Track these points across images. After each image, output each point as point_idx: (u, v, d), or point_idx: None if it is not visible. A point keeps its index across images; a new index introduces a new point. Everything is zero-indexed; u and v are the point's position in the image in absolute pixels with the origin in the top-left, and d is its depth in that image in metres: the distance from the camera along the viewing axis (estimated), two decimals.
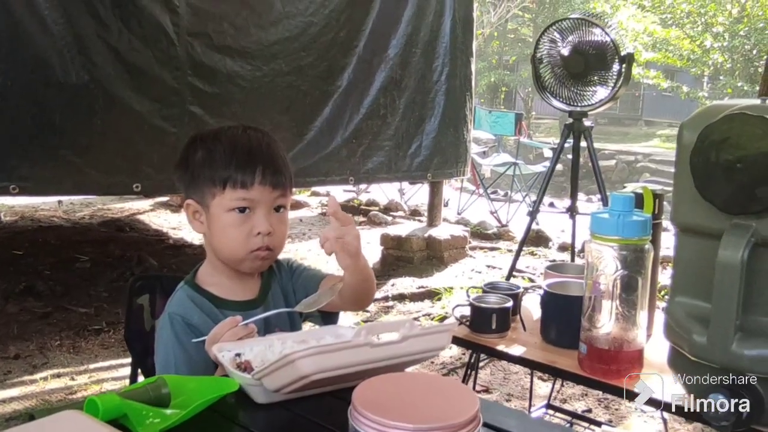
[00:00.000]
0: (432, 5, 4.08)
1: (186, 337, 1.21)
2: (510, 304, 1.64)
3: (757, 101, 1.18)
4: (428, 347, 1.06)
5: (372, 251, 4.80)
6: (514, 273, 3.50)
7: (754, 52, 17.51)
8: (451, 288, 3.94)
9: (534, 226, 5.30)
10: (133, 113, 3.13)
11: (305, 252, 4.84)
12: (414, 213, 6.19)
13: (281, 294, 1.36)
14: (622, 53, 2.33)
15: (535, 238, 5.09)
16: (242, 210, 1.21)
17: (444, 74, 4.13)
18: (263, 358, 1.08)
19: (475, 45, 4.37)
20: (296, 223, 5.86)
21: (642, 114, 26.07)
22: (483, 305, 1.64)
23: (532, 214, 2.80)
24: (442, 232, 4.61)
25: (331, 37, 3.67)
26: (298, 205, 6.48)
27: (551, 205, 5.70)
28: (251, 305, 1.29)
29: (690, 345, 1.21)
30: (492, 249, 5.02)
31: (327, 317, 1.41)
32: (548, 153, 7.87)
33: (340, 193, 6.93)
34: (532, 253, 4.92)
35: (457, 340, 1.65)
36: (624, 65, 2.34)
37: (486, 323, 1.62)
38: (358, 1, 3.77)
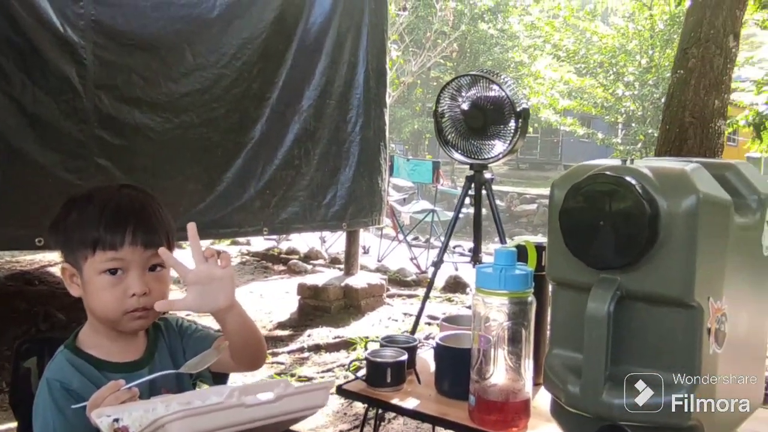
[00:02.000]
0: (345, 57, 4.16)
1: (65, 403, 1.17)
2: (405, 357, 1.66)
3: (619, 162, 1.25)
4: (305, 406, 1.06)
5: (289, 301, 4.77)
6: (429, 321, 3.54)
7: (662, 100, 18.39)
8: (367, 337, 3.94)
9: (453, 272, 5.38)
10: (36, 166, 3.05)
11: None
12: (334, 261, 6.19)
13: (168, 354, 1.33)
14: (518, 109, 2.43)
15: (453, 285, 5.16)
16: (113, 272, 1.19)
17: (358, 125, 4.20)
18: (141, 423, 1.06)
19: (388, 96, 4.46)
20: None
21: (561, 159, 26.96)
22: (378, 359, 1.65)
23: (436, 264, 2.85)
24: (359, 280, 4.62)
25: (244, 88, 3.69)
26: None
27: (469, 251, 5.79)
28: (136, 366, 1.26)
29: (566, 395, 1.25)
30: (410, 296, 5.06)
31: (218, 378, 1.39)
32: (467, 200, 8.01)
33: (261, 241, 6.88)
34: (449, 300, 4.98)
35: (353, 395, 1.66)
36: (520, 120, 2.44)
37: (381, 377, 1.63)
38: (270, 54, 3.81)
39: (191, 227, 1.16)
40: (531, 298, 1.45)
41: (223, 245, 6.83)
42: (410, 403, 1.58)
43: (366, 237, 7.34)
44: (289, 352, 3.82)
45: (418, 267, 5.94)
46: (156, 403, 1.12)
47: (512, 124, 2.45)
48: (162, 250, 1.15)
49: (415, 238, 7.34)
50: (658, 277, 1.17)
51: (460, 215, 2.87)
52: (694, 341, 1.17)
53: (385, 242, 6.73)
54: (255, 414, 0.98)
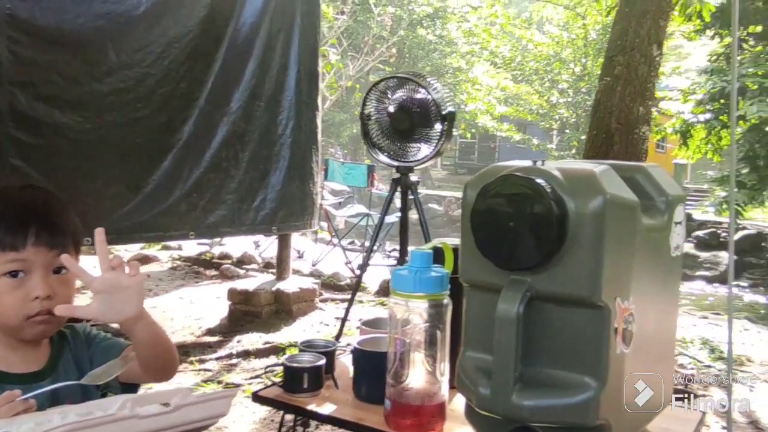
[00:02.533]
0: (276, 59, 4.10)
1: None
2: (322, 362, 1.63)
3: (530, 163, 1.26)
4: (206, 416, 1.02)
5: (220, 307, 4.69)
6: (360, 326, 3.51)
7: None
8: (297, 342, 3.89)
9: (387, 276, 5.37)
10: None
11: (149, 310, 4.63)
12: (268, 266, 6.12)
13: (74, 364, 1.27)
14: (444, 112, 2.43)
15: (387, 288, 5.15)
16: (14, 274, 1.13)
17: (289, 128, 4.15)
18: None
19: (327, 100, 4.43)
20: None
21: None
22: (294, 365, 1.62)
23: (362, 268, 2.84)
24: (291, 285, 4.58)
25: (171, 89, 3.59)
26: (146, 260, 6.24)
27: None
28: (36, 377, 1.20)
29: (477, 397, 1.24)
30: (344, 300, 5.03)
31: (128, 389, 1.33)
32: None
33: (193, 246, 6.75)
34: (383, 303, 4.98)
35: (269, 402, 1.62)
36: (446, 123, 2.44)
37: (297, 383, 1.60)
38: (199, 54, 3.73)
39: (99, 233, 1.12)
40: (447, 300, 1.45)
41: (153, 250, 6.68)
42: (327, 409, 1.56)
43: (301, 241, 7.28)
44: (217, 359, 3.74)
45: (353, 271, 5.92)
46: (52, 415, 1.06)
47: (438, 127, 2.45)
48: (65, 257, 1.11)
49: (351, 242, 7.32)
50: (566, 277, 1.18)
51: (397, 218, 2.86)
52: (601, 341, 1.18)
53: (321, 246, 6.69)
54: (150, 426, 0.94)
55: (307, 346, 1.74)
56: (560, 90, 21.60)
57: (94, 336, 1.33)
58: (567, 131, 21.82)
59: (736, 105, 3.32)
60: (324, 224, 6.83)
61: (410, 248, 2.22)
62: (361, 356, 1.61)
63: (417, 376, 1.42)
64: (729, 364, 3.08)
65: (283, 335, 4.15)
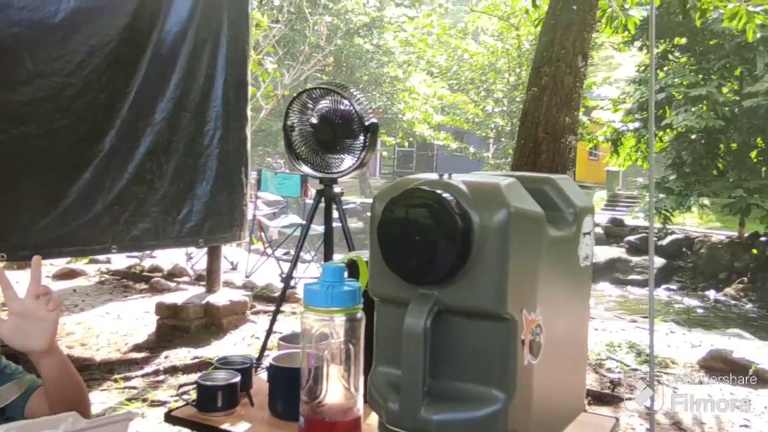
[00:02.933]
0: (203, 69, 4.03)
1: None
2: (237, 379, 1.59)
3: (436, 176, 1.25)
4: None
5: (149, 321, 4.57)
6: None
7: None
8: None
9: None
10: None
11: (74, 326, 4.50)
12: (200, 278, 6.00)
13: None
14: (367, 123, 2.43)
15: None
16: None
17: (216, 138, 4.08)
18: None
19: (250, 109, 4.38)
20: (68, 294, 5.46)
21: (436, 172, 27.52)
22: (208, 383, 1.58)
23: (285, 281, 2.80)
24: (221, 298, 4.49)
25: (91, 99, 3.48)
26: (72, 274, 6.05)
27: None
28: None
29: (386, 413, 1.23)
30: (280, 312, 4.97)
31: None
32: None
33: (122, 259, 6.58)
34: None
35: (181, 422, 1.58)
36: (369, 134, 2.44)
37: (211, 402, 1.56)
38: (121, 63, 3.63)
39: (36, 260, 1.11)
40: (360, 314, 1.43)
41: (80, 263, 6.48)
42: (241, 428, 1.52)
43: (235, 252, 7.18)
44: (143, 376, 3.64)
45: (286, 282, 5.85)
46: None
47: (361, 138, 2.45)
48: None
49: (287, 253, 7.24)
50: (472, 291, 1.18)
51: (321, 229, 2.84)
52: (508, 353, 1.19)
53: (254, 257, 6.60)
54: None
55: (223, 363, 1.71)
56: (495, 99, 21.99)
57: (5, 366, 1.28)
58: (503, 140, 22.20)
59: (654, 118, 3.42)
60: (263, 234, 6.76)
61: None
62: (276, 372, 1.58)
63: (331, 392, 1.40)
64: (651, 367, 3.16)
65: (213, 350, 4.07)
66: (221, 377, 1.61)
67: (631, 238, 17.13)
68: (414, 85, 21.54)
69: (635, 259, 16.03)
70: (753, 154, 14.98)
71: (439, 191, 1.18)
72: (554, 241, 1.32)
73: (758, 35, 5.70)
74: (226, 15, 4.21)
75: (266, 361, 1.91)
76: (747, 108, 13.25)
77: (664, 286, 15.46)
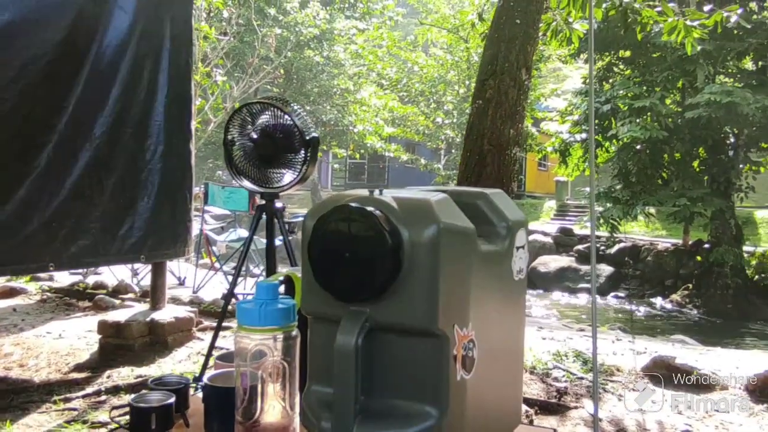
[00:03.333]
0: (144, 84, 3.96)
1: None
2: (171, 400, 1.56)
3: (366, 192, 1.25)
4: None
5: (91, 340, 4.46)
6: None
7: None
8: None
9: None
10: None
11: (12, 347, 4.36)
12: (145, 294, 5.87)
13: None
14: (308, 137, 2.42)
15: None
16: None
17: (158, 153, 4.00)
18: None
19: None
20: (8, 313, 5.29)
21: (388, 184, 27.73)
22: (140, 405, 1.54)
23: (227, 297, 2.76)
24: (166, 314, 4.41)
25: (26, 114, 3.37)
26: (12, 293, 5.86)
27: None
28: None
29: None
30: (224, 328, 4.89)
31: None
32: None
33: (65, 276, 6.41)
34: None
35: None
36: (309, 149, 2.42)
37: (145, 424, 1.52)
38: (58, 77, 3.53)
39: None
40: (295, 332, 1.41)
41: (21, 281, 6.29)
42: None
43: (182, 267, 7.06)
44: (84, 397, 3.54)
45: (235, 297, 5.77)
46: None
47: (302, 153, 2.43)
48: None
49: (235, 267, 7.16)
50: (403, 307, 1.18)
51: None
52: (440, 369, 1.18)
53: (202, 272, 6.51)
54: None
55: (158, 383, 1.67)
56: (446, 111, 22.20)
57: None
58: (453, 151, 22.40)
59: (594, 130, 3.49)
60: (216, 249, 6.67)
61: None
62: (210, 392, 1.55)
63: (267, 412, 1.38)
64: (594, 374, 3.20)
65: (158, 368, 3.98)
66: (155, 398, 1.58)
67: (581, 247, 17.42)
68: (365, 97, 21.61)
69: (585, 268, 16.29)
70: (695, 163, 15.41)
71: (368, 208, 1.18)
72: (486, 256, 1.33)
73: (698, 48, 5.85)
74: (168, 29, 4.15)
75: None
76: (689, 119, 13.63)
77: (612, 294, 15.76)
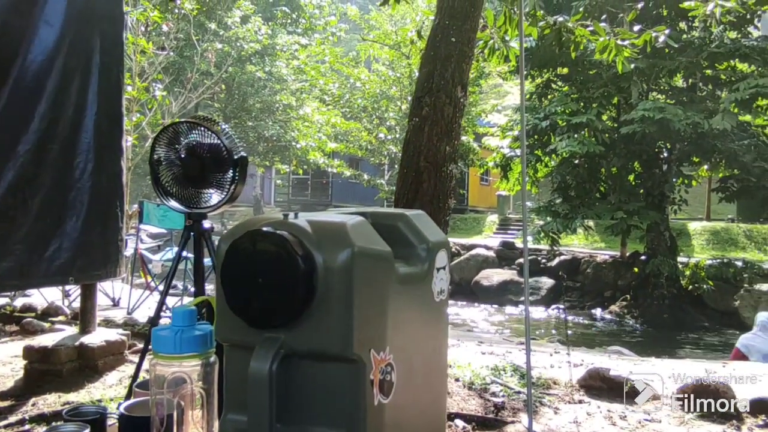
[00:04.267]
0: (72, 100, 3.85)
1: None
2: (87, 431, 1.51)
3: (281, 217, 1.23)
4: None
5: (17, 366, 4.28)
6: None
7: None
8: (99, 401, 3.63)
9: None
10: None
11: None
12: (76, 317, 5.70)
13: None
14: (236, 157, 2.39)
15: None
16: None
17: (87, 171, 3.89)
18: None
19: (125, 141, 4.22)
20: None
21: (332, 200, 27.67)
22: None
23: (153, 321, 2.70)
24: (96, 338, 4.27)
25: None
26: None
27: None
28: None
29: None
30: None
31: None
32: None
33: None
34: None
35: None
36: (238, 169, 2.39)
37: None
38: None
39: None
40: (213, 358, 1.39)
41: None
42: None
43: (117, 288, 6.87)
44: (6, 426, 3.39)
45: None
46: None
47: (230, 172, 2.40)
48: None
49: (174, 286, 7.01)
50: (318, 333, 1.16)
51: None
52: (357, 394, 1.18)
53: (138, 292, 6.35)
54: None
55: (74, 414, 1.62)
56: (388, 127, 22.31)
57: None
58: (396, 166, 22.49)
59: (524, 149, 3.54)
60: (147, 268, 6.52)
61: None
62: (126, 422, 1.51)
63: None
64: (528, 388, 3.23)
65: (87, 394, 3.85)
66: (70, 430, 1.53)
67: (522, 260, 17.66)
68: (307, 112, 21.56)
69: None
70: (631, 177, 15.85)
71: (280, 232, 1.16)
72: (405, 278, 1.33)
73: (630, 66, 6.03)
74: (98, 45, 4.05)
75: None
76: (624, 134, 14.02)
77: (553, 306, 16.02)
